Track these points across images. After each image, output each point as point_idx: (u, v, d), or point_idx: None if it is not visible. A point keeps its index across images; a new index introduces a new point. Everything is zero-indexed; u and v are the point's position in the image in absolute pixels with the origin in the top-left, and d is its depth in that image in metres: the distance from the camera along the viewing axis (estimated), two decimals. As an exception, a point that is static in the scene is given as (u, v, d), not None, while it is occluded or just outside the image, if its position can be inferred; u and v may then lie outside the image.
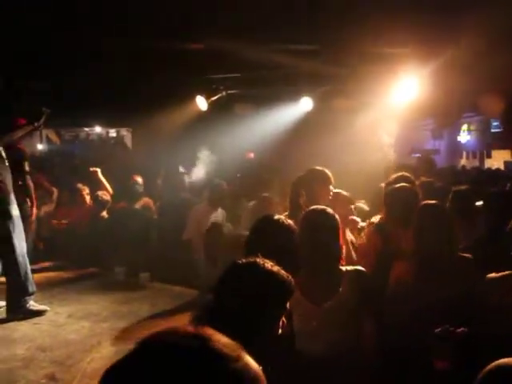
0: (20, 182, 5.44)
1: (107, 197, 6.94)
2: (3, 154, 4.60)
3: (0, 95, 4.64)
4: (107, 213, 6.98)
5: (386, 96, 6.92)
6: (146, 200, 6.94)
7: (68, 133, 15.79)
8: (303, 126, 8.09)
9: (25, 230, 5.15)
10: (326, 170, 3.94)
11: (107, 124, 14.38)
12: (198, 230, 5.34)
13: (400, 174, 3.84)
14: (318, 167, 4.02)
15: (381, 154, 7.20)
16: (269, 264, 1.82)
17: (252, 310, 1.71)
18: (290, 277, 1.84)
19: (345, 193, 4.18)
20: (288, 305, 1.83)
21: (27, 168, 5.76)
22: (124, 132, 15.36)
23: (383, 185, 4.24)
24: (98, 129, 15.05)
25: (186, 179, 6.91)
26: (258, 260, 1.84)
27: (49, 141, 15.05)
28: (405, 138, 10.61)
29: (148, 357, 0.81)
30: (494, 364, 1.30)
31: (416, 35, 5.39)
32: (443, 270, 2.81)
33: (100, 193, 6.95)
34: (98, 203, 6.87)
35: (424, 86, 6.57)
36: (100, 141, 15.46)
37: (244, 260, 1.86)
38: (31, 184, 5.80)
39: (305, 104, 7.66)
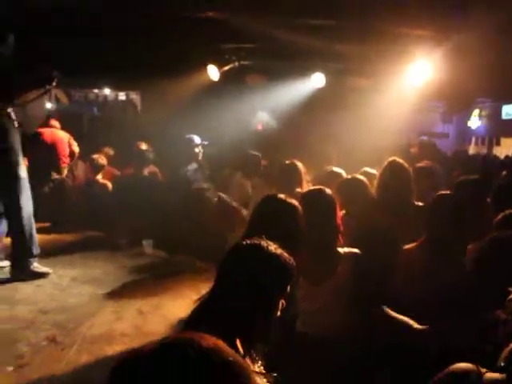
0: None
1: (103, 160, 6.97)
2: (13, 116, 4.57)
3: (10, 56, 4.56)
4: (113, 178, 7.05)
5: (399, 77, 6.83)
6: (152, 167, 6.92)
7: (77, 93, 15.65)
8: (314, 102, 8.01)
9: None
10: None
11: (117, 86, 14.24)
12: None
13: (392, 159, 3.83)
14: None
15: (389, 135, 7.14)
16: (272, 246, 1.82)
17: (253, 291, 1.71)
18: (293, 260, 1.85)
19: (344, 173, 4.22)
20: (289, 288, 1.83)
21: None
22: (133, 95, 15.22)
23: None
24: (107, 91, 14.92)
25: (200, 150, 6.75)
26: (261, 242, 1.83)
27: (57, 100, 14.94)
28: (414, 120, 10.50)
29: (164, 365, 0.87)
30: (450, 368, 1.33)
31: (433, 18, 5.27)
32: (454, 257, 2.86)
33: (96, 156, 6.98)
34: (94, 166, 6.92)
35: (438, 68, 6.48)
36: (110, 102, 15.34)
37: (248, 241, 1.86)
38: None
39: (317, 80, 7.56)
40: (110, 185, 6.85)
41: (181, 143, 6.75)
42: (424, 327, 2.57)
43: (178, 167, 6.49)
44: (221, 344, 0.94)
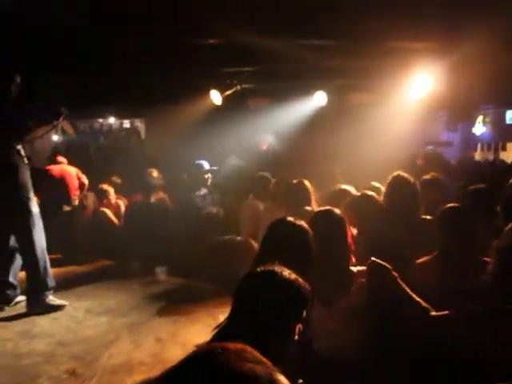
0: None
1: (107, 187, 7.15)
2: (22, 153, 4.69)
3: (19, 94, 4.70)
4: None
5: (401, 90, 6.90)
6: (160, 194, 7.02)
7: (82, 124, 15.85)
8: (317, 120, 8.08)
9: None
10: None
11: (121, 115, 14.43)
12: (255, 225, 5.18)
13: (396, 173, 3.85)
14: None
15: (393, 148, 7.18)
16: (286, 272, 1.84)
17: (269, 318, 1.73)
18: (308, 285, 1.87)
19: (353, 190, 4.25)
20: (305, 312, 1.86)
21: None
22: (138, 123, 15.41)
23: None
24: (112, 119, 15.12)
25: (209, 176, 6.81)
26: (275, 268, 1.86)
27: (64, 132, 15.14)
28: (419, 131, 10.53)
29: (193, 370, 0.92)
30: None
31: (433, 31, 5.35)
32: (464, 268, 2.88)
33: (100, 185, 7.20)
34: (99, 195, 7.11)
35: (440, 80, 6.54)
36: (115, 131, 15.54)
37: (262, 268, 1.89)
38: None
39: (319, 98, 7.64)
40: (108, 212, 6.98)
41: (189, 169, 6.84)
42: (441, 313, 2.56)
43: (188, 193, 6.54)
44: (247, 347, 0.99)
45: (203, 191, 6.58)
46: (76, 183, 7.14)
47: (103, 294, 5.21)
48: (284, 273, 1.84)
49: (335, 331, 2.68)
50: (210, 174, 6.71)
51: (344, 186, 4.53)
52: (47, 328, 4.35)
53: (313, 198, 4.43)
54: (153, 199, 6.85)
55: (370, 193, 3.93)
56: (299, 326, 1.82)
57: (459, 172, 6.84)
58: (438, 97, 7.04)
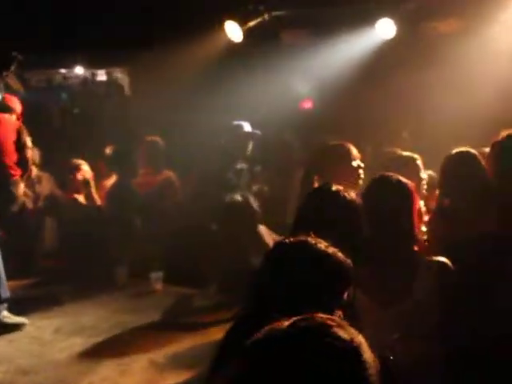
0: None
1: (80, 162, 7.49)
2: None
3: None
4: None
5: (502, 14, 7.03)
6: (165, 173, 7.35)
7: (35, 76, 16.18)
8: (380, 62, 8.21)
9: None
10: (346, 145, 4.35)
11: (93, 63, 14.77)
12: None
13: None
14: (333, 143, 4.51)
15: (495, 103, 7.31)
16: (322, 244, 2.16)
17: (299, 298, 1.99)
18: (349, 261, 2.17)
19: (418, 161, 4.50)
20: (346, 295, 2.17)
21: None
22: (118, 74, 15.71)
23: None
24: (79, 70, 15.44)
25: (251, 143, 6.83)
26: (309, 239, 2.18)
27: (8, 88, 15.46)
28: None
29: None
30: None
31: None
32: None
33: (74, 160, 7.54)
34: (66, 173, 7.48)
35: None
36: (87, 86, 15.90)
37: (292, 239, 2.22)
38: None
39: (383, 29, 7.80)
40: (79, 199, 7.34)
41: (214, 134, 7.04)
42: None
43: (216, 169, 6.71)
44: None
45: (240, 165, 6.65)
46: (15, 157, 6.44)
47: (77, 310, 5.67)
48: (319, 245, 2.15)
49: (401, 339, 2.98)
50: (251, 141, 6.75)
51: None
52: (2, 352, 4.80)
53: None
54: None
55: (473, 151, 4.23)
56: (339, 314, 2.06)
57: None
58: None
